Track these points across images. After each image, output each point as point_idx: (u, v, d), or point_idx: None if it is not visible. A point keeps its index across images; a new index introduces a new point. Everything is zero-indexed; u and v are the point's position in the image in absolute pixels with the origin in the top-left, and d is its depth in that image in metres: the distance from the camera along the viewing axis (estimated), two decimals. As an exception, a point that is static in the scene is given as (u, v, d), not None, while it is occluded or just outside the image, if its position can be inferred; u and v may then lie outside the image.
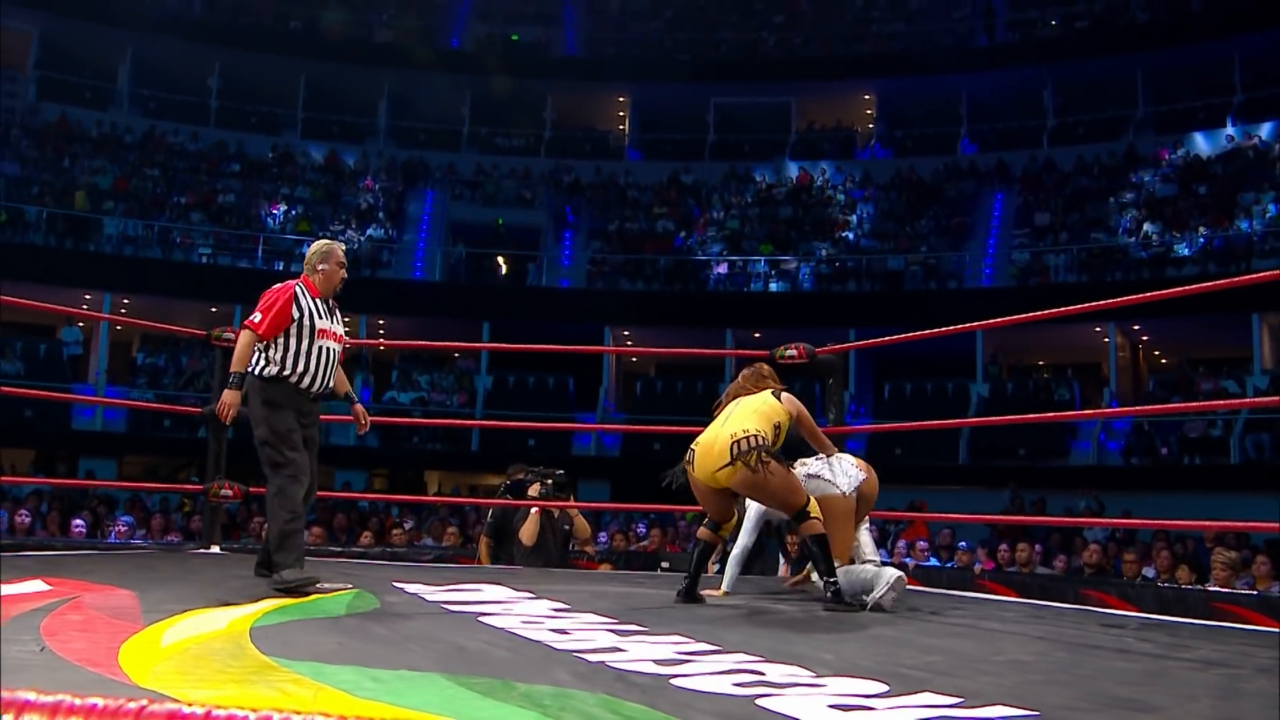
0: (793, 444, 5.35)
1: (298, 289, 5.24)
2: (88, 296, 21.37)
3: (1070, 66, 23.97)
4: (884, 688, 2.85)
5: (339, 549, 8.36)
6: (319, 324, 5.22)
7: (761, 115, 26.44)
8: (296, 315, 5.17)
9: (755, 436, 4.90)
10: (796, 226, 23.72)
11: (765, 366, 5.51)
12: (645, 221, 24.68)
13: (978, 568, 10.01)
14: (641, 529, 13.14)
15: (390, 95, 26.94)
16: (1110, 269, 20.84)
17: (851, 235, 23.35)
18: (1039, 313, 6.57)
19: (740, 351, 7.91)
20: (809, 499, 5.02)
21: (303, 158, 25.92)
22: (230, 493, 6.89)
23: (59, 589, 4.33)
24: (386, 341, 22.86)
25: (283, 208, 24.06)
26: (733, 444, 4.88)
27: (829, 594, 4.83)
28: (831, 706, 2.60)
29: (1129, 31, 23.86)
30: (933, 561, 10.63)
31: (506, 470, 8.17)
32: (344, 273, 5.40)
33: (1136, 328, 21.59)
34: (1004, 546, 10.94)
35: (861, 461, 5.55)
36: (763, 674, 3.03)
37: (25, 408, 19.42)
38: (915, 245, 22.69)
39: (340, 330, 5.39)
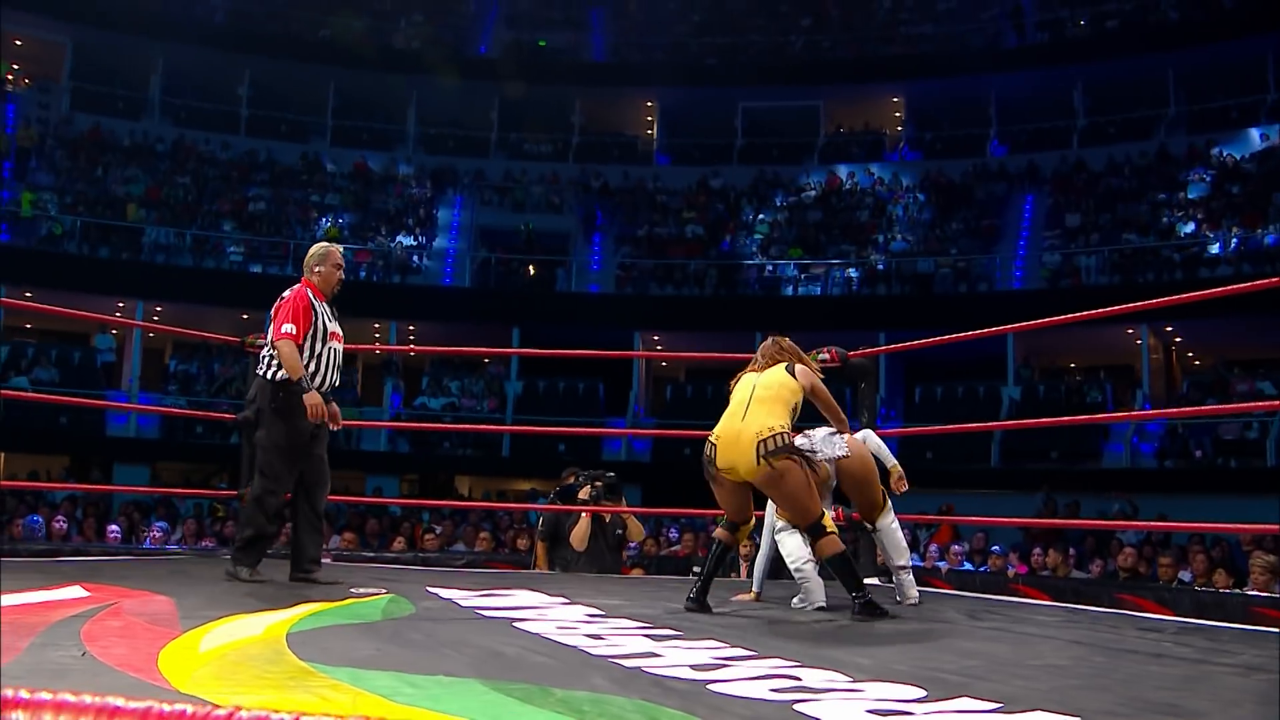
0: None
1: (309, 293, 5.49)
2: (121, 304, 21.56)
3: (1101, 66, 23.82)
4: (922, 693, 2.84)
5: (372, 554, 8.39)
6: (330, 326, 5.51)
7: (789, 119, 26.40)
8: (312, 318, 5.43)
9: (781, 435, 4.79)
10: (825, 230, 23.67)
11: (785, 340, 5.29)
12: (674, 226, 24.69)
13: (1011, 572, 9.96)
14: (673, 534, 13.13)
15: (418, 102, 27.06)
16: (1143, 270, 20.70)
17: (881, 238, 23.28)
18: (1071, 315, 6.54)
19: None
20: (824, 511, 4.91)
21: (332, 165, 26.06)
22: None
23: (98, 595, 4.35)
24: (417, 347, 23.00)
25: (318, 215, 24.22)
26: (758, 443, 4.76)
27: (857, 608, 4.78)
28: (870, 711, 2.59)
29: (1160, 30, 23.70)
30: (966, 566, 10.58)
31: (560, 474, 8.18)
32: (341, 274, 5.64)
33: (1170, 329, 21.43)
34: (1037, 550, 10.88)
35: (858, 444, 5.45)
36: (799, 679, 3.02)
37: (60, 414, 19.63)
38: (945, 248, 22.61)
39: (341, 330, 5.64)
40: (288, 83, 26.37)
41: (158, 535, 10.86)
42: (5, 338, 20.78)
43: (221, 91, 26.39)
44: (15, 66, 25.61)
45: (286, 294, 5.49)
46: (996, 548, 11.68)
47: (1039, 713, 2.60)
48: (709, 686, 2.86)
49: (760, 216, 24.36)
